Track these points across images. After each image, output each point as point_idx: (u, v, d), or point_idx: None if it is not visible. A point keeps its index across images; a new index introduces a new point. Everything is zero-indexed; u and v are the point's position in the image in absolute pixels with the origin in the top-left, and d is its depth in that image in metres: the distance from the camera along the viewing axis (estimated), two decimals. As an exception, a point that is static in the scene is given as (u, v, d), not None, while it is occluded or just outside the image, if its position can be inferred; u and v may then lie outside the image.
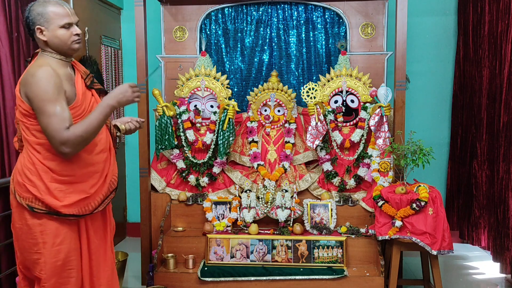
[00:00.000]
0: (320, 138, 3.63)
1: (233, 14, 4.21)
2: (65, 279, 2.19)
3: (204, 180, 3.83)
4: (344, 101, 3.82)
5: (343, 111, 3.79)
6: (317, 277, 3.24)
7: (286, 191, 3.61)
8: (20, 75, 2.93)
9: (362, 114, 3.74)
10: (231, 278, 3.27)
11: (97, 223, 2.34)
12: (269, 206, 3.58)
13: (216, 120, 3.81)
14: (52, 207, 2.12)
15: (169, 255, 3.44)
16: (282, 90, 3.87)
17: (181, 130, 3.84)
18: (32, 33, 2.17)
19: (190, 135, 3.83)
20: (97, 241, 2.32)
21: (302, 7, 4.17)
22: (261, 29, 4.21)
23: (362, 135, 3.73)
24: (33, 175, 2.13)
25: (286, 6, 4.18)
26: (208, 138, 3.82)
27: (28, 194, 2.13)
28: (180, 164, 3.85)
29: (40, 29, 2.12)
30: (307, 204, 3.57)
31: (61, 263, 2.17)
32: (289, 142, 3.88)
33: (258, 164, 3.84)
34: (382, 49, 4.06)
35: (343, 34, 4.14)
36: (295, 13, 4.18)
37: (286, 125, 3.92)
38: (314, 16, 4.17)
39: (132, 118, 2.52)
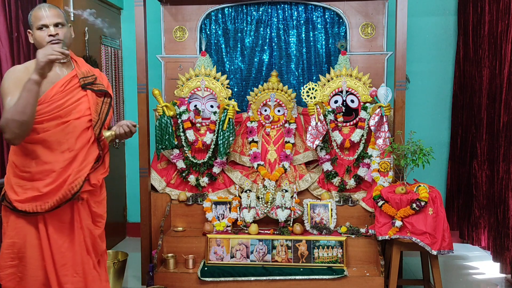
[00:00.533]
0: (320, 138, 3.63)
1: (233, 14, 4.21)
2: (21, 274, 2.25)
3: (204, 180, 3.83)
4: (344, 101, 3.82)
5: (343, 111, 3.79)
6: (317, 277, 3.24)
7: (286, 191, 3.61)
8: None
9: (362, 114, 3.74)
10: (231, 278, 3.27)
11: (60, 224, 2.28)
12: (269, 206, 3.58)
13: (216, 120, 3.81)
14: (10, 200, 2.21)
15: (169, 255, 3.44)
16: (282, 90, 3.87)
17: (181, 130, 3.84)
18: None
19: (190, 135, 3.84)
20: (61, 242, 2.28)
21: (302, 7, 4.17)
22: (261, 29, 4.21)
23: (362, 135, 3.73)
24: (8, 169, 2.29)
25: (286, 6, 4.18)
26: (208, 138, 3.82)
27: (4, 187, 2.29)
28: (180, 164, 3.85)
29: (29, 32, 2.32)
30: (307, 204, 3.57)
31: (15, 256, 2.24)
32: (289, 142, 3.88)
33: (258, 164, 3.84)
34: (382, 49, 4.05)
35: (343, 34, 4.14)
36: (295, 13, 4.18)
37: (286, 125, 3.91)
38: (314, 16, 4.17)
39: (126, 121, 2.39)
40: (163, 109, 3.71)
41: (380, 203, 3.18)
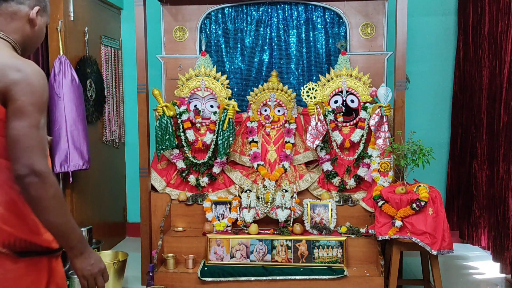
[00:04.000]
0: (320, 138, 3.63)
1: (233, 14, 4.21)
2: None
3: (204, 180, 3.83)
4: (344, 101, 3.82)
5: (343, 111, 3.79)
6: (317, 277, 3.23)
7: (286, 191, 3.60)
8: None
9: (362, 114, 3.74)
10: (231, 278, 3.27)
11: None
12: (269, 206, 3.58)
13: (216, 120, 3.81)
14: None
15: (169, 255, 3.44)
16: (282, 90, 3.87)
17: (181, 130, 3.84)
18: None
19: (190, 135, 3.83)
20: None
21: (302, 7, 4.16)
22: (261, 29, 4.21)
23: (362, 135, 3.73)
24: None
25: (286, 6, 4.17)
26: (208, 138, 3.82)
27: None
28: (180, 164, 3.85)
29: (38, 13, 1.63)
30: (307, 204, 3.57)
31: None
32: (289, 142, 3.88)
33: (258, 164, 3.84)
34: (382, 49, 4.05)
35: (343, 34, 4.14)
36: (295, 13, 4.18)
37: (286, 125, 3.91)
38: (314, 16, 4.17)
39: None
40: (163, 109, 3.71)
41: (380, 203, 3.18)
